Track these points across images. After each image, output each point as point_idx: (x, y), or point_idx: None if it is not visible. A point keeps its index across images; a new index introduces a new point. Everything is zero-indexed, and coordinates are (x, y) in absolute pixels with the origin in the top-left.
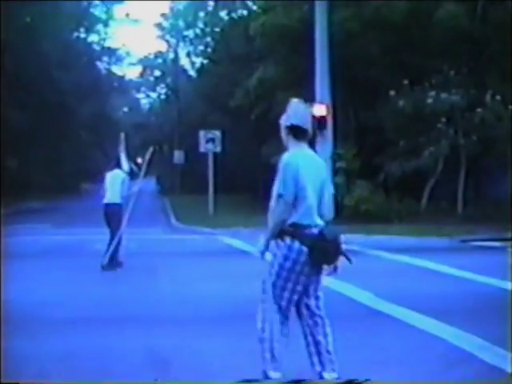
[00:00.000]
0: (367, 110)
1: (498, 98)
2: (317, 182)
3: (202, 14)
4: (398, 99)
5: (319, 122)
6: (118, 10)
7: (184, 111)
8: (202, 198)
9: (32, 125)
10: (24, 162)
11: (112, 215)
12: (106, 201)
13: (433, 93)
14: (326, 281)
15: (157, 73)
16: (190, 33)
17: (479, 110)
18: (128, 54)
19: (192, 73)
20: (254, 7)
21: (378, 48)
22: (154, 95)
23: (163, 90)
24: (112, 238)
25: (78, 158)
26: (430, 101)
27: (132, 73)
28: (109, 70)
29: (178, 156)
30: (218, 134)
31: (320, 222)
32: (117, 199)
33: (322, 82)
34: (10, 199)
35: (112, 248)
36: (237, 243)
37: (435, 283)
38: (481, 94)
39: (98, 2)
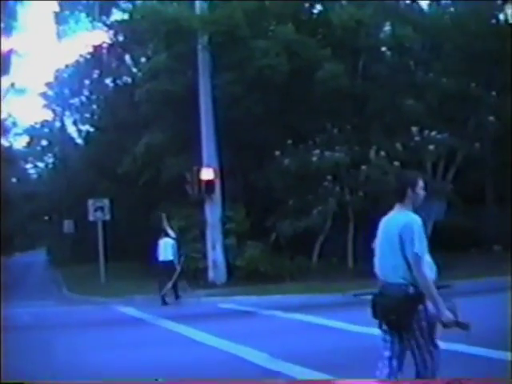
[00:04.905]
0: (255, 170)
1: (382, 153)
2: None
3: (87, 82)
4: (283, 159)
5: (207, 186)
6: (4, 81)
7: (72, 180)
8: (93, 266)
9: None
10: None
11: (167, 267)
12: (161, 258)
13: (317, 151)
14: (221, 344)
15: (44, 142)
16: (75, 101)
17: (364, 167)
18: (14, 124)
19: (79, 141)
20: (139, 74)
21: (262, 109)
22: (41, 165)
23: (51, 160)
24: (170, 278)
25: None
26: (314, 159)
27: (19, 143)
28: None
29: (68, 225)
30: (106, 202)
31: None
32: (169, 257)
33: (208, 146)
34: None
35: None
36: (131, 311)
37: (330, 339)
38: (365, 150)
39: None
